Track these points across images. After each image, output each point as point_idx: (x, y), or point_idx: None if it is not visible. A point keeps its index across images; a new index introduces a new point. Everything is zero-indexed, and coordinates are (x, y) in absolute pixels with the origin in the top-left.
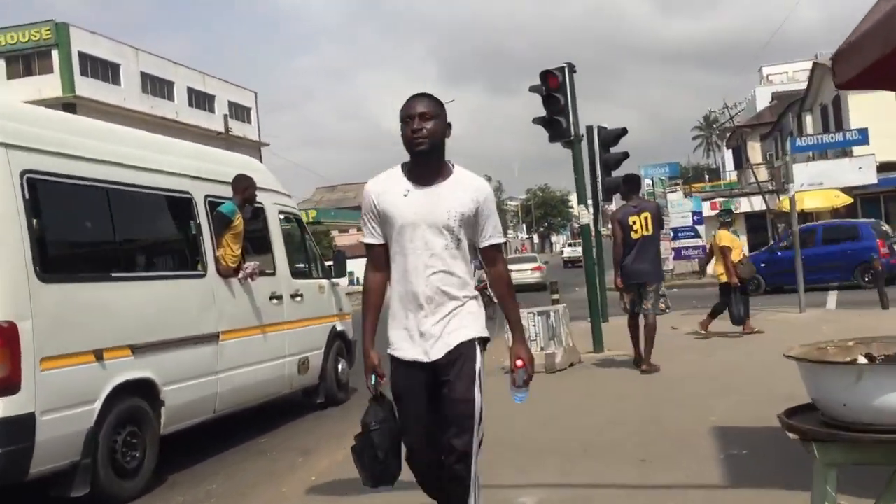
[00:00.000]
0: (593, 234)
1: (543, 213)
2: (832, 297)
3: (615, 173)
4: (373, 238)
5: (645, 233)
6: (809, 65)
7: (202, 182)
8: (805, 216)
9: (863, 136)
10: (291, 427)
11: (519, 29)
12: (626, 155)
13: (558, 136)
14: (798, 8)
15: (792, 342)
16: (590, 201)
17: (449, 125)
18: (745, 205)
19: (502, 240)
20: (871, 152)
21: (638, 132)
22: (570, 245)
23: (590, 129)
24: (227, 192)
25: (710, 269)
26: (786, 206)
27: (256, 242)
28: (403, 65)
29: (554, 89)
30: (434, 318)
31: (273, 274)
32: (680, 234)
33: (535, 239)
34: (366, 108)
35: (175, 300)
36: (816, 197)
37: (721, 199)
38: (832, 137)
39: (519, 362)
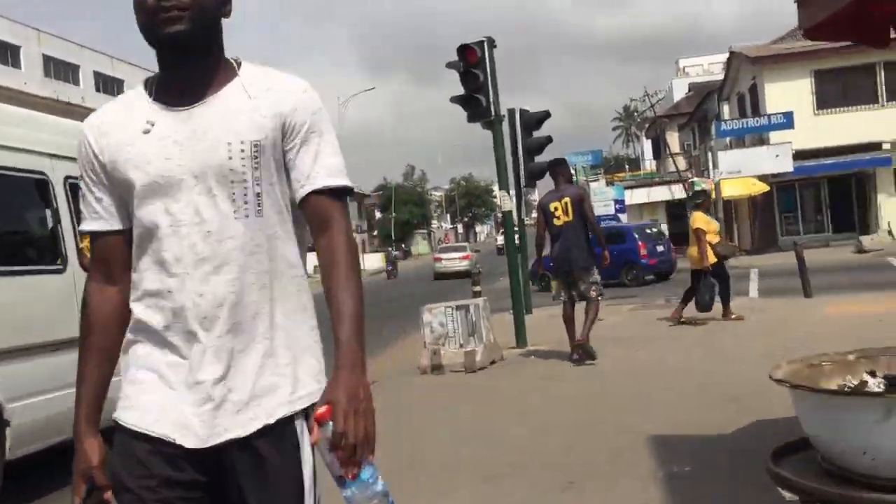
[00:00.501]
0: (516, 221)
1: (467, 203)
2: (753, 286)
3: (538, 159)
4: (95, 220)
5: (566, 219)
6: (724, 57)
7: (62, 161)
8: (725, 204)
9: (787, 120)
10: None
11: (444, 17)
12: (549, 139)
13: (478, 116)
14: (713, 4)
15: (760, 333)
16: (513, 190)
17: None
18: (664, 193)
19: (343, 183)
20: (787, 140)
21: (559, 122)
22: (503, 233)
23: (511, 111)
24: None
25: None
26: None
27: None
28: (324, 52)
29: (472, 65)
30: (218, 361)
31: None
32: (602, 223)
33: (460, 229)
34: None
35: (26, 300)
36: (735, 185)
37: (694, 181)
38: (757, 121)
39: (322, 410)
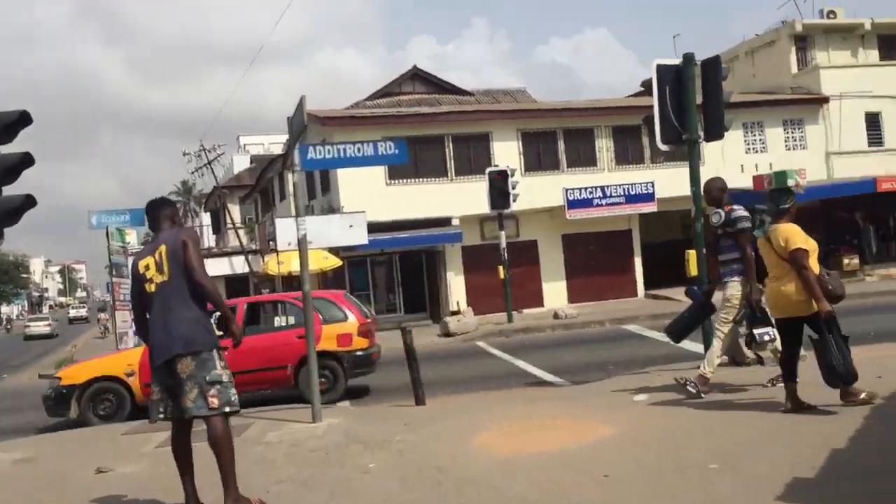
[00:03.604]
0: None
1: None
2: None
3: (8, 191)
4: None
5: (161, 278)
6: (283, 137)
7: None
8: (291, 279)
9: (400, 152)
10: None
11: None
12: (26, 157)
13: None
14: (269, 93)
15: None
16: None
17: None
18: (224, 267)
19: None
20: (361, 209)
21: (115, 200)
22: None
23: None
24: None
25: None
26: (271, 268)
27: None
28: None
29: None
30: None
31: None
32: None
33: None
34: None
35: None
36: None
37: (782, 171)
38: (359, 150)
39: None
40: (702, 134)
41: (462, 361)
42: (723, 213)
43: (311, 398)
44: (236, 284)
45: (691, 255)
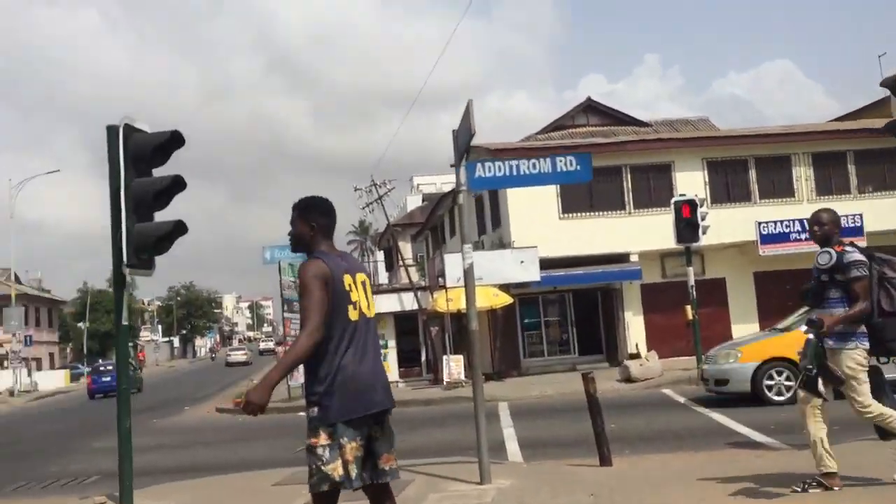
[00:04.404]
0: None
1: (186, 313)
2: (509, 432)
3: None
4: None
5: (367, 311)
6: (454, 177)
7: None
8: (461, 317)
9: (584, 168)
10: None
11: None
12: (178, 180)
13: None
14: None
15: None
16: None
17: None
18: (394, 303)
19: None
20: (533, 244)
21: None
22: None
23: (113, 129)
24: None
25: None
26: (440, 304)
27: None
28: (50, 151)
29: None
30: None
31: None
32: None
33: (176, 342)
34: None
35: None
36: (476, 295)
37: None
38: (537, 165)
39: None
40: None
41: (648, 412)
42: (833, 254)
43: (479, 454)
44: (405, 322)
45: None
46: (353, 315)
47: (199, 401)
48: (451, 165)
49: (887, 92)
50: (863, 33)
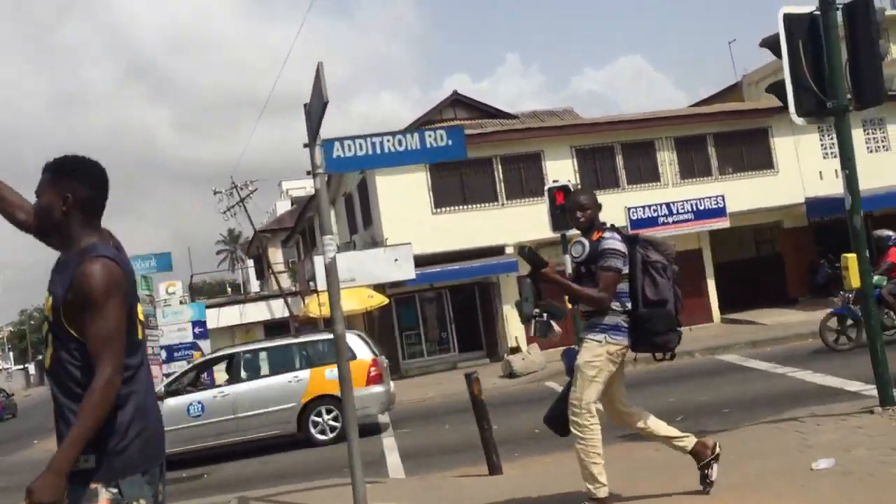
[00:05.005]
0: None
1: (40, 339)
2: (391, 449)
3: None
4: None
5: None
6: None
7: None
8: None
9: (457, 144)
10: None
11: (32, 137)
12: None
13: None
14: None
15: None
16: None
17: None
18: (262, 312)
19: None
20: (406, 241)
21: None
22: None
23: None
24: None
25: None
26: (312, 309)
27: None
28: None
29: None
30: None
31: None
32: (176, 356)
33: (32, 369)
34: None
35: None
36: (351, 298)
37: None
38: (403, 142)
39: None
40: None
41: (532, 409)
42: (587, 245)
43: (353, 477)
44: (275, 331)
45: (850, 259)
46: (140, 333)
47: (50, 431)
48: (305, 145)
49: (737, 77)
50: (711, 22)
